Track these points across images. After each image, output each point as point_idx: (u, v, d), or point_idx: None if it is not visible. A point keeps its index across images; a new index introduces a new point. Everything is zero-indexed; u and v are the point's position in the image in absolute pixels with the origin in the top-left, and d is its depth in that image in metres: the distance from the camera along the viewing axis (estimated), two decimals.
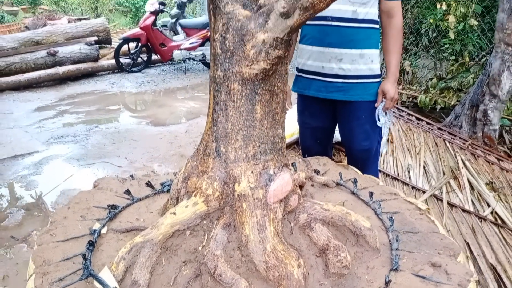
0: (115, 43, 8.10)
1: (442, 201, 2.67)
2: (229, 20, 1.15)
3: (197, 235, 1.26)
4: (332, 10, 1.90)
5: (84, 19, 10.20)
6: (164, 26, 8.05)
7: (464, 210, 2.59)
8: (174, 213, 1.24)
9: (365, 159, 2.19)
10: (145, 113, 5.36)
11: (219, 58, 1.20)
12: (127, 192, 1.69)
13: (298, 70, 2.17)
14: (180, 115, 5.26)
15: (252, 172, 1.23)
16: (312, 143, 2.32)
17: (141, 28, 7.04)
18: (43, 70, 6.60)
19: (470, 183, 2.85)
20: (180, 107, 5.61)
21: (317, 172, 1.82)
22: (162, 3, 7.20)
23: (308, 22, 1.91)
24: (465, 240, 2.34)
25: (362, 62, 1.98)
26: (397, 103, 4.53)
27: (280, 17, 1.09)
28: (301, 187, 1.51)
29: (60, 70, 6.68)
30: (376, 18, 1.99)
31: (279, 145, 1.32)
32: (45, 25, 9.69)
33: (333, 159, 2.42)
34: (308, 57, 2.05)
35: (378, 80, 2.07)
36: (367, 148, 2.14)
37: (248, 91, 1.21)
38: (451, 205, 2.65)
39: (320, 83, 2.05)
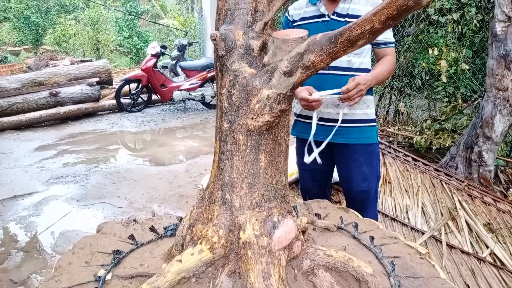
0: (116, 83, 8.27)
1: (441, 242, 2.69)
2: (235, 77, 1.23)
3: (203, 282, 1.28)
4: None
5: (87, 61, 10.44)
6: (164, 67, 8.26)
7: (463, 252, 2.62)
8: (180, 261, 1.27)
9: (364, 200, 2.23)
10: (145, 152, 5.42)
11: (225, 111, 1.27)
12: (131, 237, 1.71)
13: (297, 115, 2.25)
14: (179, 155, 5.31)
15: (257, 220, 1.28)
16: (311, 184, 2.39)
17: (142, 70, 7.23)
18: (44, 110, 6.71)
19: (468, 224, 2.89)
20: (179, 146, 5.67)
21: (318, 216, 1.86)
22: (163, 46, 7.43)
23: None
24: (465, 282, 2.35)
25: (357, 107, 2.07)
26: (393, 144, 4.63)
27: (283, 75, 1.17)
28: (303, 232, 1.54)
29: (61, 110, 6.79)
30: (370, 67, 2.10)
31: (282, 192, 1.37)
32: (47, 65, 9.91)
33: (331, 199, 2.46)
34: None
35: (373, 124, 2.16)
36: (366, 190, 2.19)
37: (253, 141, 1.28)
38: (450, 246, 2.67)
39: (319, 127, 2.12)
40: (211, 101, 7.70)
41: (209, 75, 7.38)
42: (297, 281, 1.33)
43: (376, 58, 2.12)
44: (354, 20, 1.93)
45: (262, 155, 1.30)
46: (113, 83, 8.56)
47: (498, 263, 2.52)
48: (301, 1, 2.15)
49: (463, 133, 3.82)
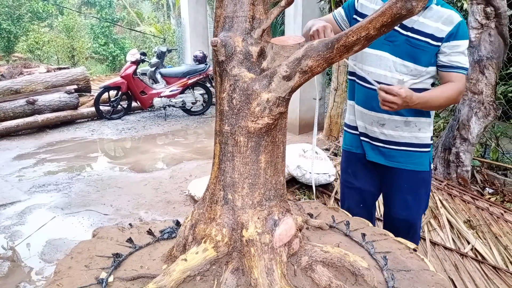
0: (95, 91, 8.19)
1: (425, 239, 2.80)
2: (235, 82, 1.29)
3: (207, 280, 1.32)
4: (378, 74, 1.86)
5: (64, 68, 10.27)
6: (143, 74, 8.23)
7: (446, 248, 2.73)
8: (185, 260, 1.31)
9: (402, 230, 2.00)
10: (128, 159, 5.38)
11: (226, 114, 1.32)
12: (130, 240, 1.73)
13: (346, 125, 2.12)
14: (163, 161, 5.31)
15: (258, 218, 1.33)
16: (354, 206, 2.17)
17: (122, 77, 7.19)
18: (21, 118, 6.58)
19: (449, 222, 3.01)
20: (162, 153, 5.66)
21: (310, 215, 1.92)
22: (143, 53, 7.41)
23: (358, 81, 1.96)
24: (449, 277, 2.45)
25: (406, 129, 1.91)
26: None
27: (282, 80, 1.23)
28: (299, 230, 1.60)
29: (39, 118, 6.67)
30: (428, 87, 1.86)
31: (281, 191, 1.43)
32: (21, 73, 9.69)
33: (375, 224, 2.29)
34: (355, 115, 2.05)
35: (426, 150, 1.94)
36: (405, 219, 2.03)
37: (253, 143, 1.33)
38: (433, 243, 2.78)
39: (365, 144, 2.03)
40: (191, 107, 7.71)
41: (190, 81, 7.39)
42: (296, 277, 1.39)
43: (440, 82, 1.85)
44: (416, 35, 1.79)
45: (262, 156, 1.35)
46: (91, 90, 8.47)
47: (480, 258, 2.64)
48: None
49: (441, 135, 3.98)
